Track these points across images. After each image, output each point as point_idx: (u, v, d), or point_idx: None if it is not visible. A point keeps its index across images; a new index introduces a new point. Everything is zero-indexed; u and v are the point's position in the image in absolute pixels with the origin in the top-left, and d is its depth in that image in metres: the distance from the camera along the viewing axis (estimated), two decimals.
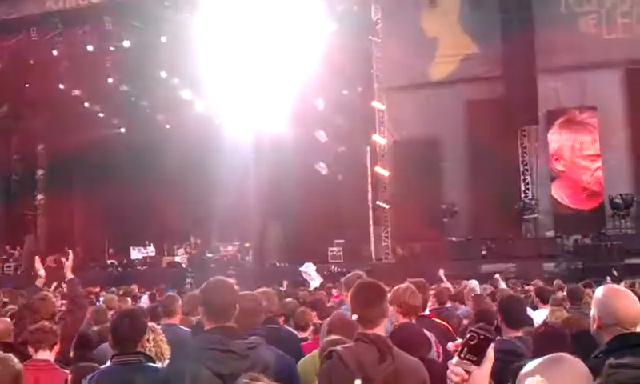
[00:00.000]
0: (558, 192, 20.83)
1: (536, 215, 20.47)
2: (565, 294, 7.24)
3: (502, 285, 11.35)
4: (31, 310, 5.68)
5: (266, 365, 3.43)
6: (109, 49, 24.49)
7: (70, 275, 5.95)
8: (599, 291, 3.45)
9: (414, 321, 4.72)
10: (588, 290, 7.38)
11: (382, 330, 3.49)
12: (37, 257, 6.32)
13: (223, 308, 3.50)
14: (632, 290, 4.82)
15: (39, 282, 6.26)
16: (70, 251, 6.17)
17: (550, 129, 20.97)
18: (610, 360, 2.73)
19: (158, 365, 4.32)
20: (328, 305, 7.92)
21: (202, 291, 3.68)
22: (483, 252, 19.81)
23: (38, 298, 5.80)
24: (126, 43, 23.59)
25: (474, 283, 9.84)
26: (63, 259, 5.97)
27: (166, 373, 3.67)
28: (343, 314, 4.75)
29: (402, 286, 4.95)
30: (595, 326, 3.29)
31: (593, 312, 3.36)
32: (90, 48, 23.82)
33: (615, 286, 3.70)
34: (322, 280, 15.24)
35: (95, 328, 6.42)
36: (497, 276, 12.13)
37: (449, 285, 10.40)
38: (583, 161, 20.72)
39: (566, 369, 2.10)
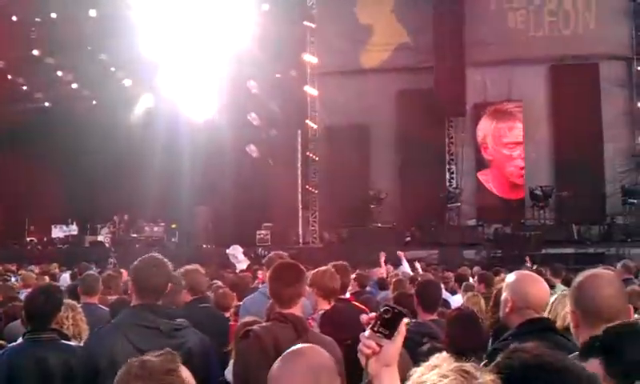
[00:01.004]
0: (485, 180, 21.42)
1: (459, 204, 20.99)
2: (476, 279, 7.46)
3: (406, 265, 11.54)
4: None
5: (189, 347, 3.42)
6: (34, 20, 23.59)
7: None
8: (512, 276, 3.57)
9: (332, 303, 4.79)
10: (498, 277, 7.65)
11: (298, 309, 3.52)
12: None
13: (155, 286, 3.46)
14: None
15: None
16: None
17: (481, 118, 21.48)
18: (515, 344, 2.84)
19: (74, 343, 4.24)
20: (251, 286, 7.93)
21: (136, 268, 3.59)
22: (407, 238, 20.17)
23: None
24: (53, 15, 22.77)
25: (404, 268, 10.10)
26: None
27: (85, 347, 3.59)
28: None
29: (322, 268, 5.00)
30: (507, 309, 3.40)
31: (505, 295, 3.47)
32: (14, 18, 22.88)
33: (527, 271, 3.86)
34: (248, 263, 15.20)
35: None
36: (416, 264, 12.38)
37: (383, 270, 10.60)
38: (507, 150, 21.35)
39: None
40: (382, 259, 11.52)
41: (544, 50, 21.17)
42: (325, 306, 4.73)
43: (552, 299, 4.03)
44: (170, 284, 3.57)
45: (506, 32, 21.38)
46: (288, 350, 2.17)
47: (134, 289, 3.54)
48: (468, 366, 1.80)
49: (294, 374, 2.05)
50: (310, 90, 22.20)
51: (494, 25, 21.39)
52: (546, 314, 3.61)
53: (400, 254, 11.51)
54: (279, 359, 2.13)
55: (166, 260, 3.64)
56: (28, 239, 25.44)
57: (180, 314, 3.69)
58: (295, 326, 3.39)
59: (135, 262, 3.66)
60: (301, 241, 21.68)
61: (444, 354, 2.04)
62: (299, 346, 2.24)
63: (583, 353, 2.30)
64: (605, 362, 2.14)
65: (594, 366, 2.07)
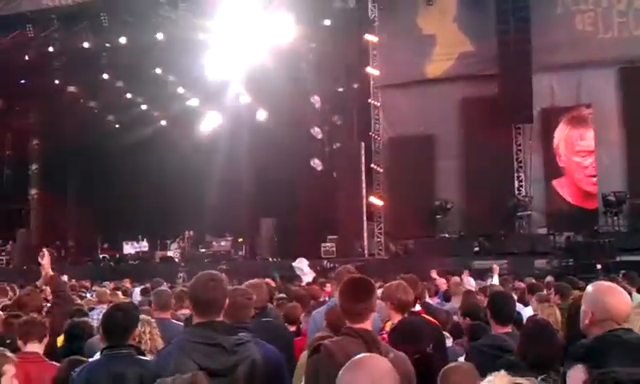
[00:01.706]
0: (559, 185, 20.85)
1: (529, 212, 20.49)
2: (552, 291, 7.24)
3: (495, 278, 11.42)
4: (18, 305, 5.69)
5: (253, 360, 3.44)
6: (105, 45, 24.43)
7: (50, 272, 5.94)
8: (590, 287, 3.49)
9: (405, 316, 4.76)
10: (575, 288, 7.42)
11: (369, 324, 3.51)
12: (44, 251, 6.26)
13: (211, 302, 3.48)
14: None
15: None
16: (46, 250, 6.13)
17: (558, 123, 20.96)
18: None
19: (147, 358, 4.33)
20: (320, 299, 7.95)
21: (191, 286, 3.65)
22: (476, 248, 19.85)
23: (24, 293, 5.82)
24: (122, 40, 23.52)
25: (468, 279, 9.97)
26: (39, 259, 5.94)
27: (154, 364, 3.67)
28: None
29: (395, 282, 4.99)
30: (587, 321, 3.33)
31: (584, 307, 3.40)
32: (85, 45, 23.75)
33: (606, 282, 3.74)
34: (314, 275, 15.25)
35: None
36: (494, 265, 12.25)
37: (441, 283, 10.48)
38: (578, 158, 20.74)
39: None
40: (434, 274, 11.55)
41: (614, 51, 20.51)
42: (398, 318, 4.71)
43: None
44: (227, 299, 3.58)
45: (573, 35, 20.83)
46: (350, 360, 2.33)
47: (192, 306, 3.59)
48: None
49: (356, 382, 2.20)
50: (374, 102, 22.17)
51: (561, 28, 20.87)
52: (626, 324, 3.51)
53: (433, 273, 11.53)
54: (342, 369, 2.28)
55: (222, 275, 3.67)
56: (101, 256, 26.21)
57: (242, 329, 3.70)
58: (366, 341, 3.38)
59: (192, 281, 3.70)
60: (366, 252, 21.60)
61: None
62: (361, 355, 2.41)
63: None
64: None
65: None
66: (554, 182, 20.89)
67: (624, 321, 3.27)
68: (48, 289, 6.33)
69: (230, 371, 3.34)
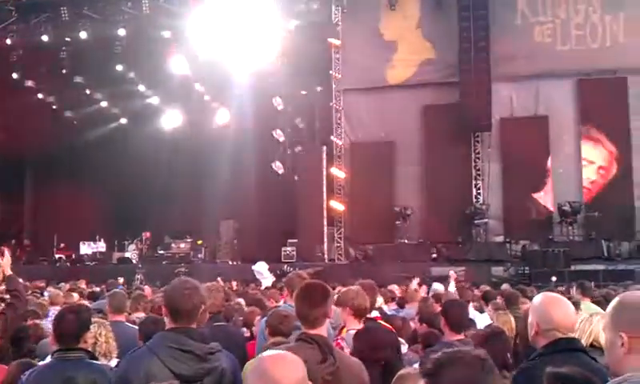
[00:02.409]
0: (510, 201, 21.15)
1: (486, 220, 20.78)
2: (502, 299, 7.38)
3: (452, 285, 11.57)
4: None
5: (223, 370, 3.44)
6: (64, 40, 24.02)
7: (8, 272, 5.82)
8: (537, 298, 3.60)
9: (362, 323, 4.77)
10: (523, 297, 7.56)
11: (324, 330, 3.53)
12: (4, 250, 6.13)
13: (189, 310, 3.46)
14: (567, 296, 4.97)
15: None
16: (6, 249, 6.01)
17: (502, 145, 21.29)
18: (549, 368, 2.82)
19: (104, 362, 4.27)
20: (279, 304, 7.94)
21: (168, 292, 3.60)
22: (434, 255, 20.06)
23: None
24: (83, 34, 23.14)
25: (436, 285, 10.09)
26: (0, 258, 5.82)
27: (119, 369, 3.61)
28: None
29: (353, 287, 5.00)
30: (533, 332, 3.43)
31: (530, 319, 3.50)
32: (44, 38, 23.32)
33: (552, 293, 3.83)
34: (274, 279, 15.23)
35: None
36: (451, 272, 12.38)
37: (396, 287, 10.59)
38: (529, 169, 21.04)
39: None
40: (416, 282, 11.64)
41: (571, 63, 20.99)
42: (355, 325, 4.71)
43: (580, 318, 4.02)
44: (202, 306, 3.58)
45: (532, 46, 21.23)
46: (259, 362, 2.31)
47: (167, 312, 3.55)
48: None
49: None
50: (335, 106, 22.23)
51: (520, 39, 21.27)
52: (573, 333, 3.60)
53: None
54: (249, 372, 2.29)
55: (197, 283, 3.65)
56: (57, 256, 25.72)
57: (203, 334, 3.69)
58: (321, 347, 3.39)
59: (167, 287, 3.68)
60: (326, 257, 21.64)
61: None
62: (273, 357, 2.33)
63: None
64: None
65: None
66: (504, 196, 21.15)
67: (569, 330, 3.36)
68: (2, 287, 6.20)
69: (200, 379, 3.33)
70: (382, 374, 3.54)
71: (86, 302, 7.98)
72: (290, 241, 22.41)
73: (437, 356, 2.08)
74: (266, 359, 2.28)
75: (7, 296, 5.87)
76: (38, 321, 6.12)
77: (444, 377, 2.03)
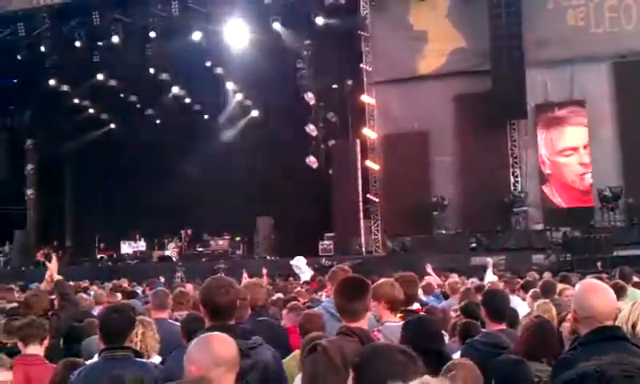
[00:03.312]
0: (550, 193, 20.89)
1: (525, 208, 20.53)
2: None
3: (489, 272, 11.45)
4: (25, 306, 5.74)
5: (265, 364, 3.48)
6: (97, 44, 24.39)
7: (57, 276, 5.99)
8: (577, 286, 3.58)
9: (398, 315, 4.75)
10: (563, 285, 7.46)
11: (364, 323, 3.55)
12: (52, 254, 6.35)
13: (225, 307, 3.52)
14: (611, 282, 4.90)
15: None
16: (54, 255, 6.21)
17: (537, 130, 21.02)
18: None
19: (146, 360, 4.36)
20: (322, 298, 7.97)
21: (203, 290, 3.67)
22: (472, 245, 19.92)
23: (31, 294, 5.87)
24: (115, 38, 23.46)
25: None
26: (47, 263, 6.02)
27: (164, 368, 3.69)
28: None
29: (385, 280, 4.98)
30: (572, 320, 3.43)
31: (571, 306, 3.51)
32: (77, 44, 23.71)
33: (591, 280, 3.78)
34: (312, 273, 15.28)
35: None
36: (488, 259, 12.25)
37: (435, 279, 10.52)
38: (562, 158, 20.75)
39: None
40: (430, 269, 11.54)
41: (605, 46, 20.59)
42: (390, 317, 4.70)
43: (628, 305, 3.93)
44: (238, 302, 3.63)
45: (565, 30, 20.88)
46: (199, 337, 2.80)
47: (205, 311, 3.61)
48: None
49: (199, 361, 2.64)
50: (367, 99, 22.18)
51: (552, 23, 20.93)
52: (624, 321, 3.62)
53: (428, 267, 11.63)
54: (192, 344, 2.74)
55: (231, 280, 3.71)
56: (98, 256, 26.19)
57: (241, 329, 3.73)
58: (361, 340, 3.41)
59: (203, 285, 3.74)
60: (364, 250, 21.63)
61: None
62: (210, 334, 2.83)
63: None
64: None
65: None
66: (544, 188, 20.90)
67: (609, 318, 3.31)
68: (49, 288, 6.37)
69: (243, 375, 3.37)
70: (436, 363, 3.52)
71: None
72: (326, 234, 22.50)
73: (361, 350, 2.19)
74: (210, 337, 2.78)
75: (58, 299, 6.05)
76: (91, 319, 6.28)
77: (368, 370, 2.15)
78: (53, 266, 6.00)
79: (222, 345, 2.72)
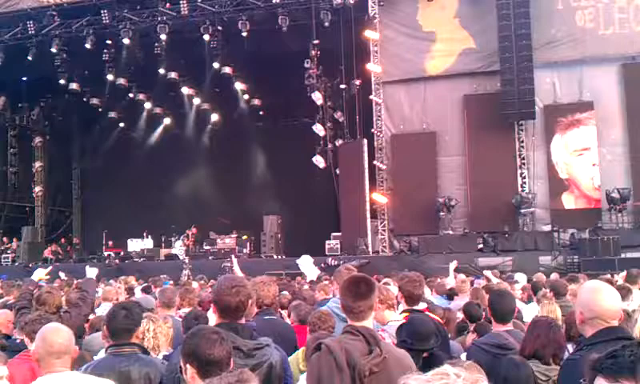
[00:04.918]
0: (566, 203, 20.76)
1: (533, 209, 20.46)
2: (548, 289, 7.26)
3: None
4: (38, 303, 5.78)
5: (271, 364, 3.51)
6: (106, 43, 24.46)
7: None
8: (582, 287, 3.58)
9: (403, 315, 4.79)
10: (574, 285, 7.43)
11: (369, 322, 3.56)
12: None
13: (235, 307, 3.56)
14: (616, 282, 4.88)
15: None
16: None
17: (547, 133, 20.93)
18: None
19: (154, 356, 4.39)
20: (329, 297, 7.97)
21: (215, 289, 3.72)
22: (480, 245, 19.88)
23: (44, 291, 5.92)
24: (124, 37, 23.50)
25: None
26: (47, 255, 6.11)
27: (173, 365, 3.70)
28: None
29: (385, 284, 5.05)
30: (579, 320, 3.42)
31: (576, 307, 3.52)
32: (87, 42, 23.77)
33: (597, 281, 3.78)
34: (319, 273, 15.26)
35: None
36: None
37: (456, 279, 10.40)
38: (575, 158, 20.67)
39: None
40: (453, 268, 11.33)
41: (615, 47, 20.52)
42: (394, 317, 4.74)
43: (637, 306, 3.93)
44: (249, 302, 3.67)
45: (574, 31, 20.82)
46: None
47: (216, 309, 3.65)
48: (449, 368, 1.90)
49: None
50: (376, 99, 22.16)
51: (561, 24, 20.87)
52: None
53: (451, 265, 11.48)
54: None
55: (244, 279, 3.75)
56: (105, 253, 26.28)
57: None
58: (366, 339, 3.42)
59: (216, 284, 3.79)
60: (370, 250, 21.62)
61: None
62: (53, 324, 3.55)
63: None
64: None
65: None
66: (563, 198, 20.76)
67: (612, 319, 3.31)
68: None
69: None
70: (425, 365, 3.55)
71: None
72: (333, 234, 22.50)
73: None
74: (47, 328, 3.37)
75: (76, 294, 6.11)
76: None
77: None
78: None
79: (57, 335, 3.23)
